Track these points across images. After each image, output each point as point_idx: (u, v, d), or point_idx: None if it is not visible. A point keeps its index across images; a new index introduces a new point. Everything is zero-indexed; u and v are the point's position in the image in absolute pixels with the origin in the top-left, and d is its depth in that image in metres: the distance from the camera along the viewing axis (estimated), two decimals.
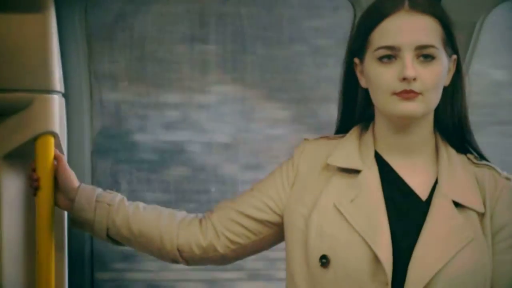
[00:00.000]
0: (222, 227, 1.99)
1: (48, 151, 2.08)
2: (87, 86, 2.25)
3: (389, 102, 1.81)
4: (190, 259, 2.03)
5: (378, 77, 1.82)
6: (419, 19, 1.81)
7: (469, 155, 1.92)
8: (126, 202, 2.05)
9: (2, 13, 2.05)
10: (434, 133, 1.91)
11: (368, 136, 1.92)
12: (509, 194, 1.88)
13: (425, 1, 1.83)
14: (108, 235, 2.05)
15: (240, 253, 2.02)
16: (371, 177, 1.87)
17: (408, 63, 1.78)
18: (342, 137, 1.95)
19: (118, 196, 2.06)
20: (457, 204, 1.84)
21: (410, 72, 1.78)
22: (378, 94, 1.84)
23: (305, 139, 1.99)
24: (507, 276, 1.85)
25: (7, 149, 2.12)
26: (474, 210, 1.85)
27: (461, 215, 1.83)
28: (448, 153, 1.90)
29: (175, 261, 2.05)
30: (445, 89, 1.87)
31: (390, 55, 1.81)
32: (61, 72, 2.15)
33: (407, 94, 1.79)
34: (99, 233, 2.05)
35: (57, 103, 2.12)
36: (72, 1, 2.21)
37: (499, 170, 1.91)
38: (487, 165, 1.91)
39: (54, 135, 2.10)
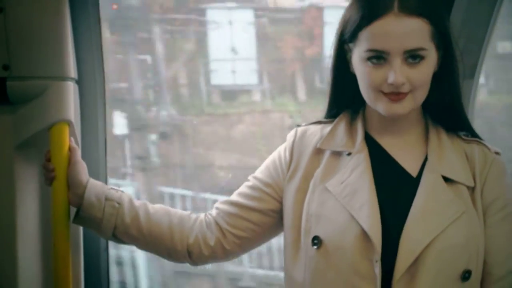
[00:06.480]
0: (226, 224, 1.99)
1: (63, 139, 2.03)
2: (100, 73, 2.20)
3: (378, 100, 1.83)
4: (198, 260, 2.02)
5: (367, 77, 1.82)
6: (408, 22, 1.78)
7: (459, 133, 1.93)
8: (135, 202, 2.01)
9: (14, 1, 2.00)
10: (424, 114, 1.92)
11: (358, 119, 1.93)
12: (498, 168, 1.90)
13: (415, 1, 1.80)
14: (113, 234, 2.01)
15: (246, 247, 2.02)
16: (361, 158, 1.88)
17: (397, 69, 1.78)
18: (333, 121, 1.96)
19: (126, 195, 2.02)
20: (447, 179, 1.86)
21: (398, 79, 1.78)
22: (367, 91, 1.84)
23: (297, 125, 2.00)
24: (501, 248, 1.87)
25: (20, 139, 2.07)
26: (464, 185, 1.86)
27: (451, 190, 1.85)
28: (438, 132, 1.91)
29: (181, 261, 2.03)
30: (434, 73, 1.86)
31: (379, 56, 1.80)
32: (75, 59, 2.09)
33: (396, 96, 1.80)
34: (105, 231, 2.00)
35: (71, 90, 2.07)
36: None
37: (489, 146, 1.92)
38: (477, 140, 1.92)
39: (69, 123, 2.05)
